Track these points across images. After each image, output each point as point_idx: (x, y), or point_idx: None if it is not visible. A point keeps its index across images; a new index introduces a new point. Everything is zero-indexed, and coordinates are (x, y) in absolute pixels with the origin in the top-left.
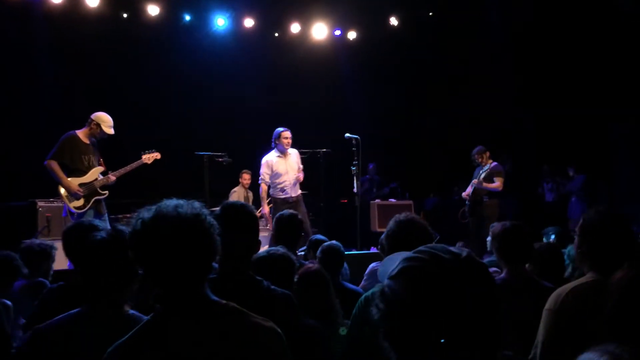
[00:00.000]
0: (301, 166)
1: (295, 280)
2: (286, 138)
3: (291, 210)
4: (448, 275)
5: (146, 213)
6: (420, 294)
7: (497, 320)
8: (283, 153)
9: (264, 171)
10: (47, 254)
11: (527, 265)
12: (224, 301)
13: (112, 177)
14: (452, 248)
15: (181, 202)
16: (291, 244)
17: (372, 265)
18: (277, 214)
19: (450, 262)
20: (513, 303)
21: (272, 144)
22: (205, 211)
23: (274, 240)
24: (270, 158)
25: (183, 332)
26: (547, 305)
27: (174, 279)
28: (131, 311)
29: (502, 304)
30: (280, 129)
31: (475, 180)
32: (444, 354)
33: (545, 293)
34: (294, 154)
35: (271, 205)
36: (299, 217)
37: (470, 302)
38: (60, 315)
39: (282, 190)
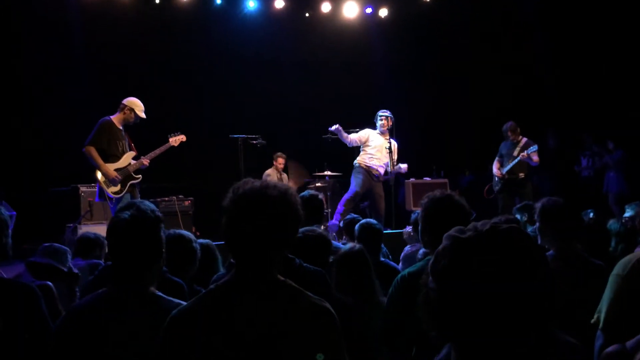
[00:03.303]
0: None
1: (337, 259)
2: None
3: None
4: (488, 245)
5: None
6: (459, 262)
7: (544, 296)
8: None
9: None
10: (100, 242)
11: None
12: (282, 278)
13: (145, 161)
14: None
15: (270, 183)
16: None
17: (406, 249)
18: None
19: (493, 231)
20: (562, 281)
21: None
22: (293, 191)
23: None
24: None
25: (244, 304)
26: (615, 271)
27: (250, 256)
28: (157, 292)
29: (553, 280)
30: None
31: (524, 154)
32: (487, 330)
33: (595, 270)
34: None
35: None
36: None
37: (513, 274)
38: (89, 295)
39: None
